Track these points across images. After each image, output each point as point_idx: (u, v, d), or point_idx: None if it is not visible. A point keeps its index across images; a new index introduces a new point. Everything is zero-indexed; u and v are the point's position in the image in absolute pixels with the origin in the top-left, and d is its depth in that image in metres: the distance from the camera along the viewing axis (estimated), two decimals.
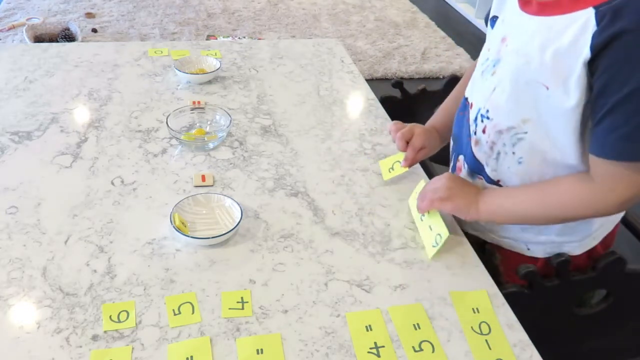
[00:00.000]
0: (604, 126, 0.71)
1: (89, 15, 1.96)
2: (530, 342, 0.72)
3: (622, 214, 0.98)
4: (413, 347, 0.70)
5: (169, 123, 1.05)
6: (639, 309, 1.07)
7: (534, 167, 0.84)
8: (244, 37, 2.94)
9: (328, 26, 3.44)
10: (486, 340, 0.72)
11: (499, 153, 0.87)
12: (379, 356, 0.69)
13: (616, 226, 0.99)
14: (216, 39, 1.82)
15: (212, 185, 0.97)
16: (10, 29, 1.81)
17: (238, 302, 0.75)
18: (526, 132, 0.82)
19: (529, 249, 0.94)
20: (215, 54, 1.43)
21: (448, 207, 0.86)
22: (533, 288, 0.92)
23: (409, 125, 1.00)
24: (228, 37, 2.75)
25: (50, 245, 0.82)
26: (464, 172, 0.96)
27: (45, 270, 0.78)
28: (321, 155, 1.07)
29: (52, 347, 0.68)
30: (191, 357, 0.67)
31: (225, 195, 0.90)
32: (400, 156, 0.99)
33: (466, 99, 0.94)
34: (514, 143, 0.84)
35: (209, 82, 1.30)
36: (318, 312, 0.74)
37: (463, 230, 0.92)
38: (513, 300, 0.79)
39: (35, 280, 0.76)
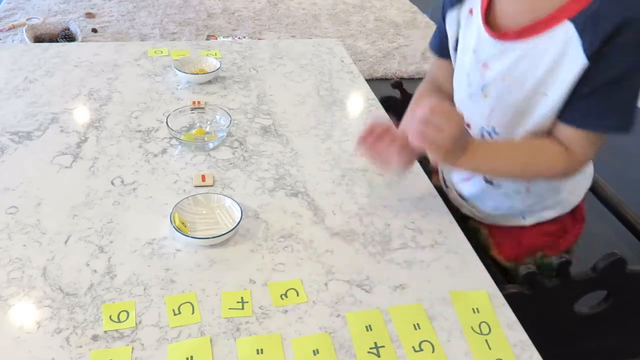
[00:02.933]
0: (587, 102, 0.80)
1: (89, 15, 1.96)
2: (530, 342, 0.72)
3: (589, 184, 1.05)
4: (413, 347, 0.70)
5: (169, 123, 1.05)
6: (639, 309, 1.07)
7: None
8: (244, 37, 2.94)
9: (328, 26, 3.44)
10: (486, 340, 0.72)
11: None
12: (379, 356, 0.69)
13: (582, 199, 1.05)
14: (216, 39, 1.82)
15: (212, 185, 0.97)
16: (10, 29, 1.81)
17: (238, 302, 0.75)
18: (534, 132, 0.88)
19: (524, 218, 1.01)
20: (215, 54, 1.43)
21: (433, 153, 0.82)
22: (533, 288, 0.92)
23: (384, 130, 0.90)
24: (228, 37, 2.75)
25: (50, 245, 0.82)
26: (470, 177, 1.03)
27: (45, 270, 0.78)
28: (321, 155, 1.07)
29: (52, 347, 0.68)
30: (191, 357, 0.67)
31: (225, 195, 0.90)
32: None
33: None
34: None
35: (209, 82, 1.30)
36: (318, 312, 0.74)
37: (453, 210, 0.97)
38: (513, 300, 0.79)
39: (35, 280, 0.76)
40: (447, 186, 1.10)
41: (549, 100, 0.83)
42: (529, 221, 1.01)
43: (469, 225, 1.06)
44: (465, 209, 1.06)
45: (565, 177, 0.92)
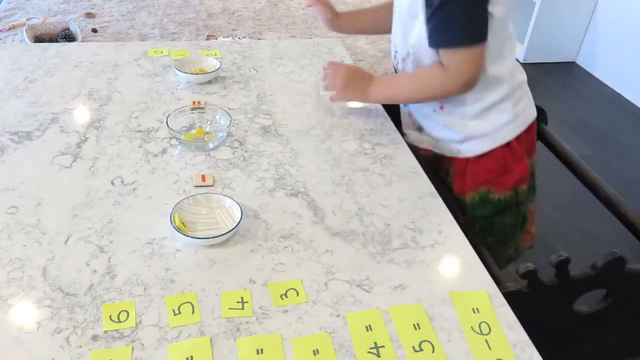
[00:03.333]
0: (432, 23, 0.97)
1: (89, 15, 1.96)
2: (530, 342, 0.72)
3: (527, 119, 1.12)
4: (413, 347, 0.70)
5: (169, 123, 1.05)
6: (638, 308, 1.07)
7: None
8: (244, 37, 2.93)
9: None
10: (486, 340, 0.72)
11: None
12: (379, 356, 0.69)
13: (530, 132, 1.13)
14: (216, 39, 1.82)
15: (212, 185, 0.97)
16: (10, 29, 1.81)
17: (238, 302, 0.75)
18: (415, 54, 1.06)
19: (459, 152, 1.12)
20: (215, 54, 1.43)
21: (341, 98, 1.15)
22: (533, 287, 0.92)
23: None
24: (228, 37, 2.74)
25: (50, 245, 0.82)
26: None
27: (45, 270, 0.78)
28: (321, 155, 1.07)
29: (52, 347, 0.68)
30: (191, 357, 0.67)
31: (225, 195, 0.90)
32: None
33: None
34: (409, 64, 1.09)
35: (209, 82, 1.30)
36: (318, 312, 0.74)
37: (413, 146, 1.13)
38: (513, 299, 0.79)
39: (35, 280, 0.76)
40: (404, 133, 1.21)
41: (419, 21, 1.00)
42: (463, 152, 1.12)
43: (430, 162, 1.17)
44: (426, 143, 1.18)
45: (450, 93, 1.03)
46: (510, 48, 1.05)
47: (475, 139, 1.09)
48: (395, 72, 1.17)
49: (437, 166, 1.17)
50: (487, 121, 1.08)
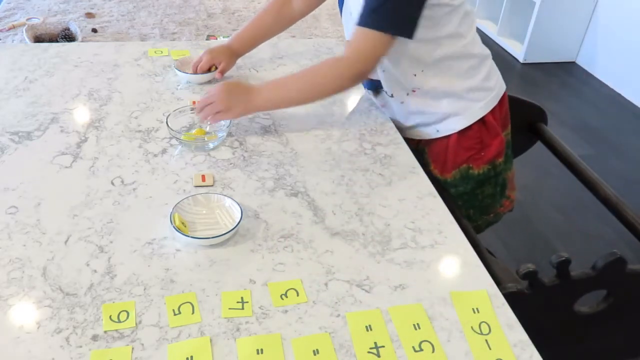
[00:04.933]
0: (365, 2, 0.96)
1: (89, 15, 1.96)
2: (530, 342, 0.72)
3: (499, 93, 1.15)
4: (413, 347, 0.70)
5: (169, 123, 1.05)
6: (639, 309, 1.07)
7: (390, 68, 1.09)
8: None
9: (328, 26, 3.43)
10: (486, 340, 0.72)
11: (375, 70, 1.09)
12: (379, 356, 0.69)
13: (503, 106, 1.16)
14: (216, 39, 1.82)
15: (212, 185, 0.97)
16: (10, 29, 1.81)
17: (238, 302, 0.75)
18: None
19: (438, 131, 1.14)
20: None
21: (230, 116, 1.07)
22: (533, 288, 0.92)
23: (205, 57, 1.26)
24: (228, 37, 2.74)
25: (50, 245, 0.82)
26: (373, 95, 1.24)
27: (45, 270, 0.78)
28: (321, 155, 1.07)
29: (52, 347, 0.68)
30: (191, 357, 0.67)
31: (225, 195, 0.90)
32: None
33: None
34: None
35: (209, 82, 1.30)
36: (318, 312, 0.74)
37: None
38: (513, 299, 0.79)
39: (35, 280, 0.76)
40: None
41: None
42: (442, 131, 1.13)
43: (417, 147, 1.19)
44: (408, 132, 1.19)
45: (342, 81, 1.03)
46: (468, 25, 1.07)
47: (452, 116, 1.11)
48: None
49: (415, 149, 1.20)
50: (459, 97, 1.10)
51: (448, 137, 1.14)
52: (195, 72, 1.26)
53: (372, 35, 0.97)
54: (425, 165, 1.18)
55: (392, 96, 1.15)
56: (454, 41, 1.05)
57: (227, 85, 1.07)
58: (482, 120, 1.12)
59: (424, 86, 1.09)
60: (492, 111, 1.12)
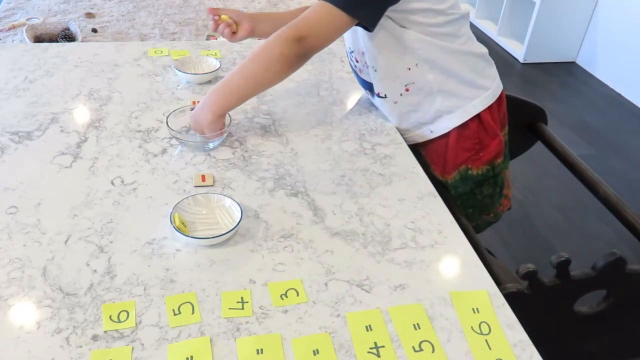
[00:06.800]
0: None
1: (89, 15, 1.96)
2: (530, 342, 0.72)
3: (496, 92, 1.14)
4: (413, 347, 0.70)
5: (169, 123, 1.05)
6: (639, 309, 1.07)
7: (382, 67, 1.08)
8: None
9: None
10: (486, 340, 0.72)
11: (368, 72, 1.12)
12: (379, 356, 0.69)
13: (501, 105, 1.16)
14: (216, 39, 1.82)
15: (212, 185, 0.97)
16: (10, 29, 1.81)
17: (238, 302, 0.75)
18: (367, 49, 1.07)
19: (432, 132, 1.14)
20: (215, 54, 1.43)
21: (207, 132, 1.04)
22: (533, 288, 0.92)
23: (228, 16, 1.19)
24: None
25: (50, 245, 0.82)
26: (370, 96, 1.22)
27: (45, 270, 0.78)
28: (321, 155, 1.07)
29: (52, 347, 0.68)
30: (191, 357, 0.67)
31: (225, 195, 0.90)
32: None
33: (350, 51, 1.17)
34: (366, 58, 1.10)
35: (209, 82, 1.30)
36: (318, 312, 0.74)
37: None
38: (513, 299, 0.79)
39: (35, 280, 0.76)
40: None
41: None
42: (435, 131, 1.13)
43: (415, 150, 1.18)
44: (403, 138, 1.17)
45: (284, 48, 0.96)
46: (460, 25, 1.07)
47: (445, 114, 1.11)
48: (354, 73, 1.20)
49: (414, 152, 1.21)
50: (453, 94, 1.09)
51: (447, 138, 1.13)
52: (214, 29, 1.20)
53: (329, 9, 0.93)
54: (426, 167, 1.18)
55: (385, 97, 1.14)
56: (448, 37, 1.05)
57: (193, 115, 1.06)
58: (479, 120, 1.12)
59: (418, 81, 1.08)
60: (490, 110, 1.12)
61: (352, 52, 1.15)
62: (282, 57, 0.97)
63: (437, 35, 1.04)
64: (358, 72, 1.18)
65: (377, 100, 1.19)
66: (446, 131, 1.12)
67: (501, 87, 1.17)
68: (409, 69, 1.07)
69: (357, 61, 1.15)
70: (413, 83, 1.09)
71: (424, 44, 1.04)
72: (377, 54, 1.07)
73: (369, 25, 0.97)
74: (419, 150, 1.19)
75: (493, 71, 1.16)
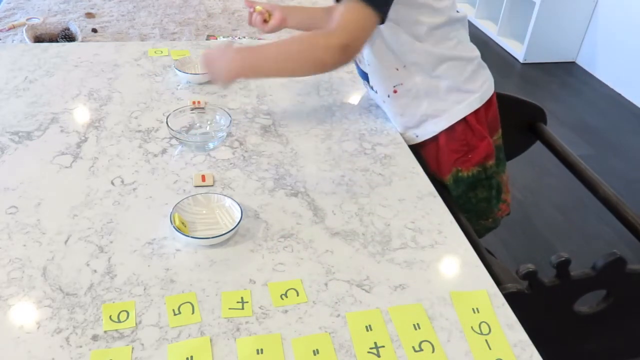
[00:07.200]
0: None
1: (89, 15, 1.96)
2: (530, 342, 0.72)
3: (484, 96, 1.13)
4: (413, 347, 0.70)
5: (169, 123, 1.05)
6: (639, 309, 1.07)
7: (376, 63, 1.09)
8: (244, 37, 2.93)
9: None
10: (486, 340, 0.72)
11: (364, 65, 1.13)
12: (379, 356, 0.69)
13: (491, 109, 1.16)
14: (216, 39, 1.82)
15: (212, 185, 0.97)
16: (10, 29, 1.81)
17: (238, 302, 0.75)
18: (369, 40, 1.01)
19: (417, 136, 1.15)
20: None
21: (219, 85, 1.09)
22: (533, 288, 0.92)
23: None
24: (228, 37, 2.74)
25: (50, 245, 0.82)
26: (369, 89, 1.20)
27: (45, 270, 0.78)
28: (321, 155, 1.07)
29: (52, 347, 0.68)
30: (191, 357, 0.67)
31: (225, 195, 0.90)
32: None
33: None
34: (372, 54, 1.09)
35: (209, 82, 1.30)
36: (318, 312, 0.74)
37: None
38: (513, 299, 0.79)
39: (35, 280, 0.76)
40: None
41: None
42: (420, 136, 1.14)
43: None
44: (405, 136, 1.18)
45: (325, 56, 0.93)
46: (453, 29, 1.06)
47: (430, 118, 1.11)
48: (355, 62, 1.19)
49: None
50: (440, 98, 1.09)
51: (437, 140, 1.13)
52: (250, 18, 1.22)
53: (362, 9, 0.91)
54: (425, 167, 1.19)
55: (376, 92, 1.16)
56: (437, 41, 1.05)
57: (208, 55, 1.03)
58: (465, 123, 1.11)
59: (406, 83, 1.08)
60: (476, 114, 1.11)
61: None
62: (322, 63, 0.95)
63: (426, 39, 1.03)
64: (358, 61, 1.18)
65: (371, 93, 1.21)
66: (432, 135, 1.12)
67: (491, 90, 1.15)
68: (397, 69, 1.07)
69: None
70: (401, 84, 1.09)
71: (412, 47, 1.04)
72: (369, 49, 1.08)
73: (385, 18, 0.94)
74: (417, 150, 1.19)
75: (483, 75, 1.14)
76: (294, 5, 1.32)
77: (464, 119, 1.10)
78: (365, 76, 1.18)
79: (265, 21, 1.20)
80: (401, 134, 1.16)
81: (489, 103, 1.14)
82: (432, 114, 1.10)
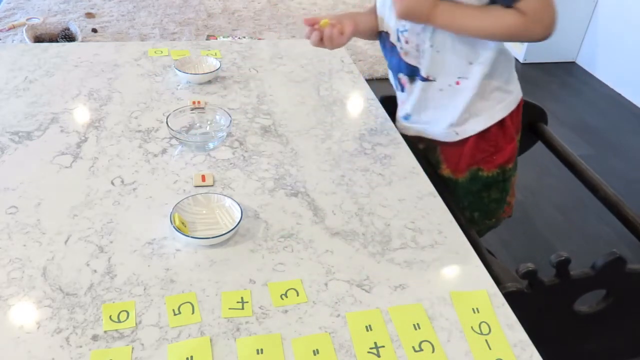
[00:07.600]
0: None
1: (89, 15, 1.96)
2: (530, 342, 0.72)
3: (517, 97, 1.13)
4: (413, 347, 0.70)
5: (169, 123, 1.05)
6: (638, 308, 1.07)
7: (446, 51, 1.04)
8: (244, 37, 2.93)
9: None
10: (486, 340, 0.72)
11: (423, 51, 1.06)
12: (379, 356, 0.69)
13: (520, 110, 1.15)
14: (216, 39, 1.82)
15: (212, 185, 0.97)
16: (10, 29, 1.81)
17: (238, 302, 0.75)
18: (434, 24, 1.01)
19: (457, 134, 1.13)
20: (215, 54, 1.43)
21: (410, 7, 0.99)
22: (533, 287, 0.92)
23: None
24: (228, 37, 2.74)
25: (50, 245, 0.82)
26: (407, 82, 1.14)
27: (45, 270, 0.78)
28: (321, 155, 1.07)
29: (52, 347, 0.68)
30: (191, 357, 0.67)
31: (225, 195, 0.91)
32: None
33: (381, 32, 1.15)
34: (429, 37, 1.04)
35: (209, 82, 1.30)
36: (318, 312, 0.74)
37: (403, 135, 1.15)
38: (513, 299, 0.79)
39: (35, 280, 0.77)
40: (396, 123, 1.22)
41: None
42: (461, 134, 1.12)
43: (419, 147, 1.20)
44: (412, 131, 1.18)
45: (531, 39, 0.98)
46: None
47: (473, 117, 1.10)
48: (392, 56, 1.13)
49: (425, 148, 1.21)
50: (484, 97, 1.08)
51: (467, 138, 1.12)
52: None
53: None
54: (436, 163, 1.18)
55: (434, 80, 1.09)
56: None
57: None
58: (500, 124, 1.10)
59: (473, 77, 1.05)
60: (511, 115, 1.11)
61: (405, 31, 1.07)
62: (525, 33, 0.98)
63: None
64: (403, 54, 1.10)
65: (414, 88, 1.13)
66: (472, 134, 1.11)
67: (521, 93, 1.15)
68: (471, 63, 1.05)
69: (406, 42, 1.08)
70: (466, 78, 1.06)
71: (487, 43, 1.02)
72: (448, 35, 1.02)
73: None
74: (434, 146, 1.18)
75: (516, 76, 1.14)
76: (349, 11, 1.25)
77: (501, 120, 1.10)
78: (409, 70, 1.11)
79: (341, 33, 1.08)
80: (436, 127, 1.13)
81: (519, 104, 1.14)
82: (475, 113, 1.09)
